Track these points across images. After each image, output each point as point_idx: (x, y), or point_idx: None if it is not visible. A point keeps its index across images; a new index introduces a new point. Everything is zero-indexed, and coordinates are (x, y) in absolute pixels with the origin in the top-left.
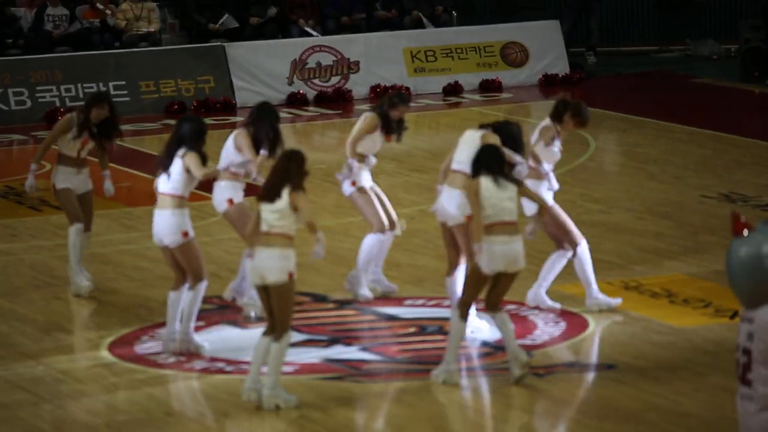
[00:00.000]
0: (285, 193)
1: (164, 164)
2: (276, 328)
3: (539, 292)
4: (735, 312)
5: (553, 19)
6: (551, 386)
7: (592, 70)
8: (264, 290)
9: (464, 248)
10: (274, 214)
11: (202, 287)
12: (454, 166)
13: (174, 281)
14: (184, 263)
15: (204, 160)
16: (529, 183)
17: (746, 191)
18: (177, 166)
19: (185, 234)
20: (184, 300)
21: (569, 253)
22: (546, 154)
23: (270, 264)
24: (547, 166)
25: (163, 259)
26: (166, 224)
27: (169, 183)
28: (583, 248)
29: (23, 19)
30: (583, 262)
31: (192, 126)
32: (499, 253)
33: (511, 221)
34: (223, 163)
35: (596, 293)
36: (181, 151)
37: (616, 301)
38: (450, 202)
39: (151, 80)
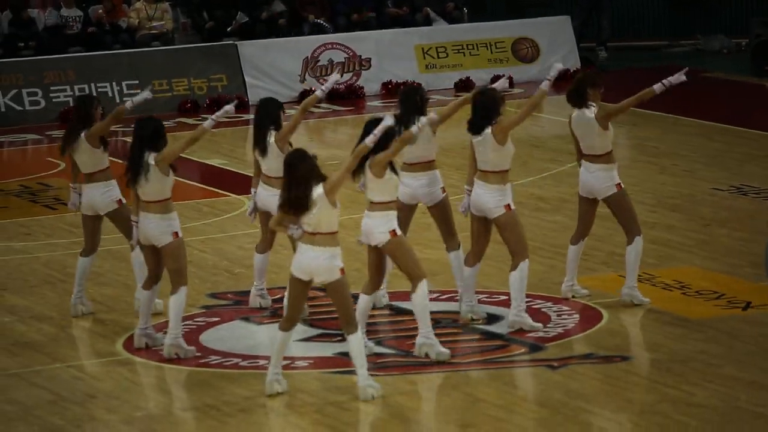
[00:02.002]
0: (317, 195)
1: (136, 173)
2: (343, 324)
3: (631, 286)
4: (748, 303)
5: (564, 15)
6: (565, 378)
7: (603, 65)
8: (304, 284)
9: (513, 241)
10: (315, 218)
11: (184, 291)
12: (482, 167)
13: (147, 280)
14: (169, 266)
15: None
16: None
17: (757, 183)
18: (152, 171)
19: (175, 235)
20: (171, 306)
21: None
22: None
23: (319, 263)
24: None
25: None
26: (155, 227)
27: (148, 190)
28: (641, 239)
29: (38, 20)
30: (637, 253)
31: (148, 128)
32: None
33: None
34: None
35: (635, 285)
36: (150, 157)
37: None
38: (487, 197)
39: (164, 79)
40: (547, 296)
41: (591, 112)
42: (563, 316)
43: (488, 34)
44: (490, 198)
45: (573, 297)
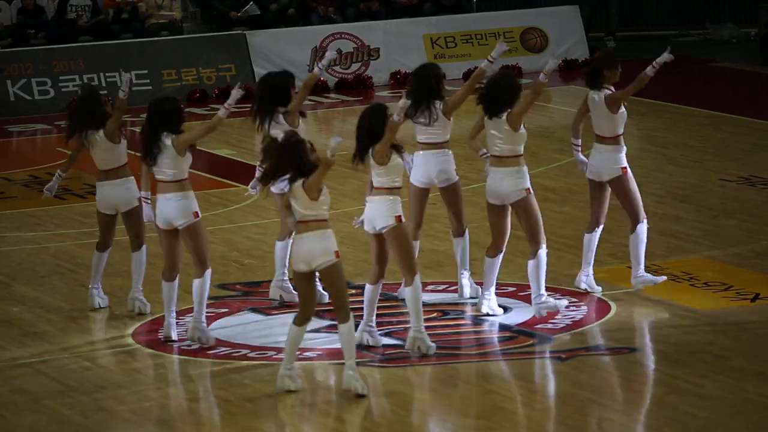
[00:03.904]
0: (298, 188)
1: (151, 153)
2: (336, 311)
3: (640, 272)
4: (756, 294)
5: (572, 5)
6: (573, 370)
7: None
8: (307, 277)
9: (530, 227)
10: (303, 207)
11: (208, 275)
12: (495, 152)
13: (167, 271)
14: (191, 247)
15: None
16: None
17: (766, 174)
18: (168, 152)
19: (196, 214)
20: (194, 290)
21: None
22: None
23: (312, 247)
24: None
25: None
26: (174, 207)
27: (165, 170)
28: (644, 227)
29: (47, 8)
30: (639, 241)
31: (166, 107)
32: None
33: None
34: None
35: (642, 272)
36: (166, 138)
37: (661, 278)
38: (503, 183)
39: (173, 69)
40: (556, 287)
41: (601, 94)
42: (571, 308)
43: (497, 24)
44: (508, 182)
45: (586, 290)
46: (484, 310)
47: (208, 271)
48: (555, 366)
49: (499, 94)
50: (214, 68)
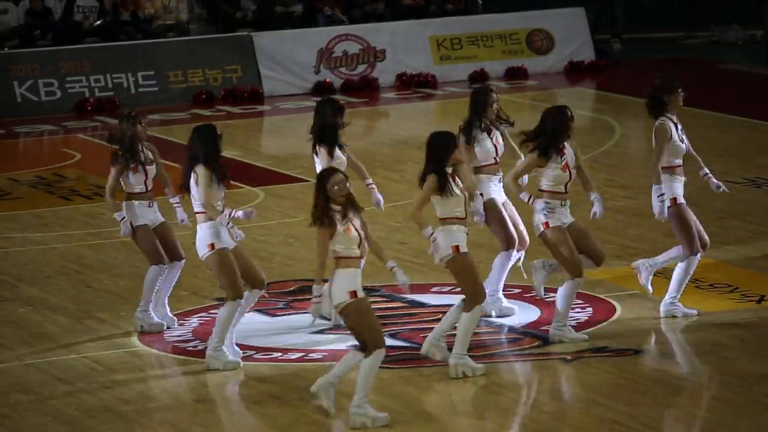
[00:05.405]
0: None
1: (185, 182)
2: (366, 346)
3: (675, 299)
4: (762, 296)
5: (578, 6)
6: (579, 372)
7: (617, 56)
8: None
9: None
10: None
11: (231, 305)
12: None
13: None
14: (215, 276)
15: (218, 176)
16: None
17: None
18: (192, 181)
19: (210, 246)
20: (217, 317)
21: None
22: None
23: (336, 284)
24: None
25: (192, 248)
26: (197, 238)
27: (193, 201)
28: (696, 260)
29: (54, 10)
30: (687, 271)
31: (199, 138)
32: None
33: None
34: None
35: (677, 301)
36: (198, 167)
37: (692, 312)
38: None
39: (179, 70)
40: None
41: (659, 121)
42: (576, 310)
43: (503, 26)
44: (535, 216)
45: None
46: (557, 339)
47: (230, 303)
48: (561, 367)
49: (557, 131)
50: (220, 69)
